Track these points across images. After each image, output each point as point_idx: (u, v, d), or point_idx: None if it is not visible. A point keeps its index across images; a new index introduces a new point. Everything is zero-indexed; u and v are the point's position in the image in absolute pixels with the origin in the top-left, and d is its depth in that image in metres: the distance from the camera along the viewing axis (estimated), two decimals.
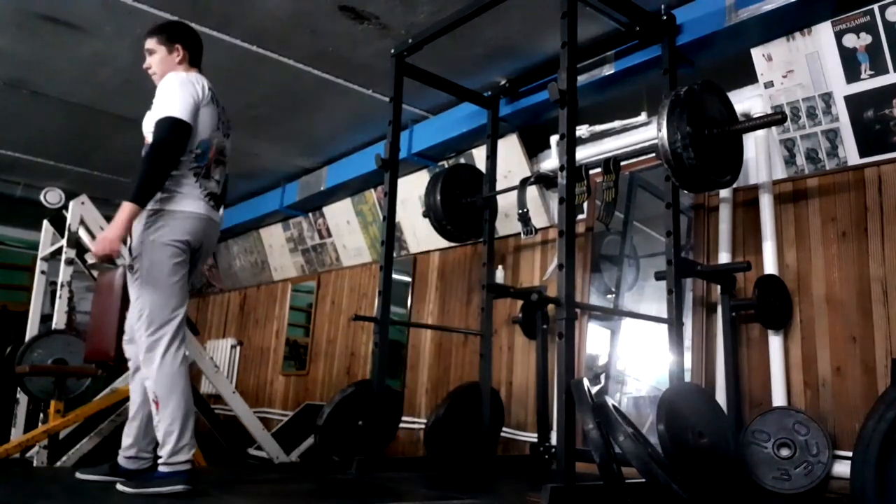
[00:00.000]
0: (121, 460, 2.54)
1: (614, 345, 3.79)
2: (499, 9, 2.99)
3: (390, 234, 3.34)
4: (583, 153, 3.55)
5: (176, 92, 2.44)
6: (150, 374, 2.35)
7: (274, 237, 6.38)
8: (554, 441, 3.35)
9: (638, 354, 3.68)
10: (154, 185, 2.35)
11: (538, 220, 3.78)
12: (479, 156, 4.17)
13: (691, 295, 3.29)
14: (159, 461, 2.35)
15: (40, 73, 4.15)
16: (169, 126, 2.37)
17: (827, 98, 2.86)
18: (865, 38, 2.70)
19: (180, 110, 2.39)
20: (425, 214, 3.70)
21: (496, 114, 3.83)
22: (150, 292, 2.38)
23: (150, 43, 2.62)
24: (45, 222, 4.98)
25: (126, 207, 2.30)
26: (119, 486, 2.34)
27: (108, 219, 4.70)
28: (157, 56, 2.61)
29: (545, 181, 3.47)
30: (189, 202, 2.45)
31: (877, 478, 2.25)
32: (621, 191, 3.11)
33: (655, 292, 3.25)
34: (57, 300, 4.45)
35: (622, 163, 3.05)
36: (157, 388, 2.32)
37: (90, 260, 4.63)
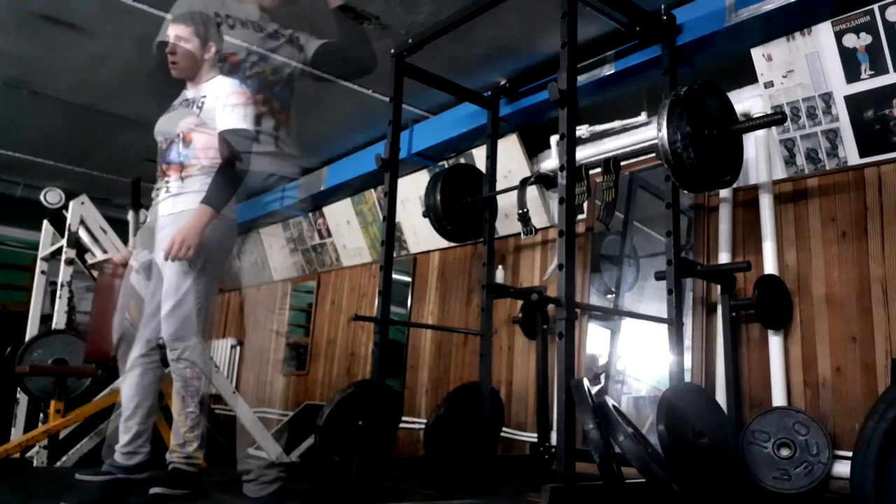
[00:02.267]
0: (118, 457, 2.53)
1: (614, 345, 3.79)
2: (499, 9, 2.98)
3: (390, 234, 3.34)
4: (583, 153, 3.55)
5: (250, 104, 2.40)
6: (197, 369, 2.36)
7: (274, 237, 6.38)
8: (554, 441, 3.34)
9: (638, 354, 3.68)
10: (233, 195, 2.38)
11: (538, 220, 3.77)
12: (479, 156, 4.17)
13: (691, 295, 3.28)
14: (181, 458, 2.36)
15: (40, 73, 4.14)
16: (249, 140, 2.36)
17: (827, 98, 2.86)
18: (865, 38, 2.70)
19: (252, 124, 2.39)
20: (425, 214, 3.70)
21: (496, 114, 3.83)
22: (209, 295, 2.42)
23: (185, 31, 2.35)
24: (45, 222, 4.98)
25: (207, 212, 2.26)
26: (154, 490, 2.29)
27: (108, 219, 4.73)
28: (188, 47, 2.35)
29: (545, 181, 3.46)
30: (231, 207, 2.48)
31: (877, 478, 2.25)
32: (621, 191, 3.11)
33: (655, 292, 3.25)
34: (57, 300, 4.46)
35: (622, 163, 3.05)
36: (203, 383, 2.37)
37: (90, 260, 4.64)
